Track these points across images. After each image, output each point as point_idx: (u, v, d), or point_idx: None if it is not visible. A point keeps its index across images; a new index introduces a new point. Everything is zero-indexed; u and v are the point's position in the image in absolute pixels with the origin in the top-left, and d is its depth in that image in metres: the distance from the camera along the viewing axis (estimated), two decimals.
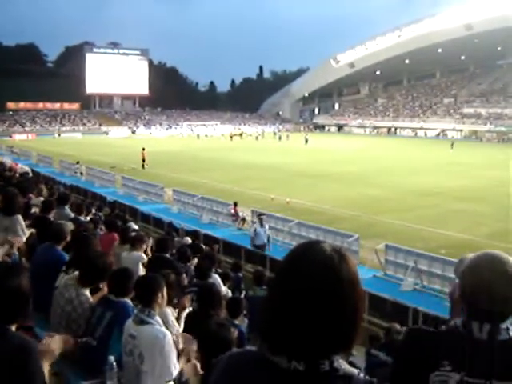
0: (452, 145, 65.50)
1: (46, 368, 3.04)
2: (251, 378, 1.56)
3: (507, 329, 1.98)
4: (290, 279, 1.51)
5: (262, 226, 17.33)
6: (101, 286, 5.32)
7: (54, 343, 3.25)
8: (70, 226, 7.02)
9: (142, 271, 7.44)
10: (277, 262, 14.68)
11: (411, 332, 2.25)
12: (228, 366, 1.66)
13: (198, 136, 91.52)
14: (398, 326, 7.16)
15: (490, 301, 1.96)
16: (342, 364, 1.52)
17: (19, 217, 7.50)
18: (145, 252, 8.81)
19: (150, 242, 9.57)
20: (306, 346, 1.47)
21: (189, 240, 13.39)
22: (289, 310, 1.48)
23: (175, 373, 4.07)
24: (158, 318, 4.28)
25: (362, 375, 1.55)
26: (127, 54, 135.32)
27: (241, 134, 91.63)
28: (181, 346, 4.70)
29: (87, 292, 5.12)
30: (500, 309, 1.98)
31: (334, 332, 1.48)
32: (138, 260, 7.96)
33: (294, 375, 1.48)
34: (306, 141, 72.30)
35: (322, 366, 1.49)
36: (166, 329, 4.41)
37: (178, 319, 5.79)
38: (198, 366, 3.98)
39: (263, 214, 18.17)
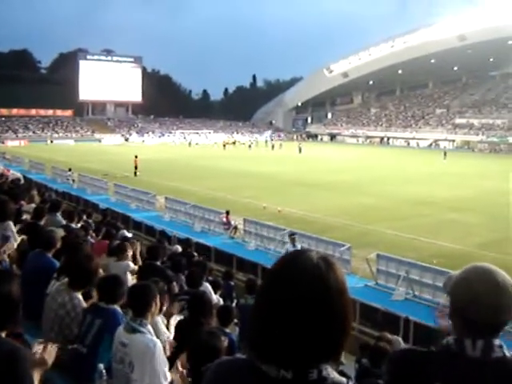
0: (445, 154, 65.61)
1: (37, 378, 3.03)
2: None
3: (501, 346, 1.95)
4: (277, 288, 1.51)
5: (294, 246, 15.55)
6: (93, 294, 5.32)
7: (49, 353, 3.24)
8: (61, 232, 7.00)
9: (130, 280, 7.41)
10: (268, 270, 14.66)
11: (403, 354, 2.22)
12: (217, 374, 1.66)
13: (189, 144, 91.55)
14: (388, 335, 7.16)
15: (482, 312, 1.94)
16: (331, 373, 1.52)
17: (10, 223, 7.48)
18: (134, 257, 8.81)
19: (138, 246, 9.56)
20: (294, 355, 1.47)
21: (179, 248, 13.36)
22: (276, 318, 1.48)
23: (165, 383, 4.05)
24: (149, 327, 4.28)
25: (350, 383, 1.55)
26: (120, 62, 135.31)
27: (234, 143, 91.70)
28: (168, 353, 4.70)
29: (80, 296, 5.12)
30: (495, 320, 1.96)
31: (322, 340, 1.48)
32: (126, 269, 7.93)
33: None
34: (300, 150, 72.14)
35: (310, 375, 1.49)
36: (157, 337, 4.40)
37: (167, 326, 5.78)
38: (185, 373, 3.98)
39: (295, 234, 16.52)
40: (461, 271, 2.09)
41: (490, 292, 1.95)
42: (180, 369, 4.10)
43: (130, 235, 13.02)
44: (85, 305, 5.07)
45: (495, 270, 2.03)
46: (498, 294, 1.95)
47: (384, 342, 6.55)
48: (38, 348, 3.22)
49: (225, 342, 4.07)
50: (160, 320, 5.52)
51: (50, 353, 3.24)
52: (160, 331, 5.28)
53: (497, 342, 1.96)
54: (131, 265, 8.26)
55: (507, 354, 1.95)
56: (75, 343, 4.63)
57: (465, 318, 2.00)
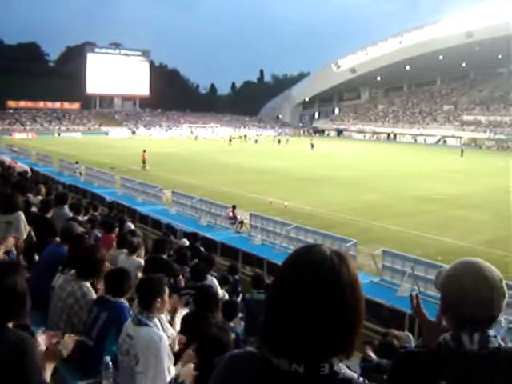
0: (462, 152, 65.38)
1: (50, 369, 3.05)
2: (251, 379, 1.57)
3: (495, 336, 2.00)
4: (290, 281, 1.52)
5: None
6: (98, 286, 5.35)
7: (65, 344, 3.25)
8: (81, 228, 7.07)
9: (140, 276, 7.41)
10: (274, 264, 14.66)
11: (403, 357, 2.23)
12: (229, 367, 1.67)
13: (195, 138, 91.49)
14: (395, 332, 7.15)
15: (474, 306, 1.99)
16: (342, 368, 1.54)
17: (21, 213, 7.53)
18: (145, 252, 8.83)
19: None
20: (306, 348, 1.48)
21: (186, 242, 13.36)
22: (288, 311, 1.50)
23: (169, 378, 4.06)
24: (156, 321, 4.29)
25: (361, 379, 1.56)
26: (128, 55, 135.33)
27: (240, 137, 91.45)
28: (176, 348, 4.70)
29: (89, 285, 5.15)
30: (486, 314, 2.01)
31: (334, 334, 1.49)
32: (138, 266, 7.92)
33: (294, 378, 1.49)
34: (312, 146, 70.57)
35: (322, 369, 1.50)
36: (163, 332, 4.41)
37: (171, 322, 5.78)
38: (192, 367, 3.98)
39: None
40: (450, 267, 2.14)
41: (480, 287, 2.00)
42: (189, 364, 4.09)
43: (133, 228, 13.04)
44: (94, 295, 5.10)
45: (483, 264, 2.07)
46: (488, 289, 2.00)
47: (391, 337, 6.54)
48: (40, 338, 3.23)
49: (233, 336, 4.07)
50: (163, 316, 5.53)
51: (67, 344, 3.25)
52: (164, 327, 5.29)
53: (491, 332, 2.01)
54: (143, 262, 8.26)
55: (501, 343, 2.00)
56: (83, 335, 4.66)
57: (458, 313, 2.04)
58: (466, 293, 2.00)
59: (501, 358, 1.95)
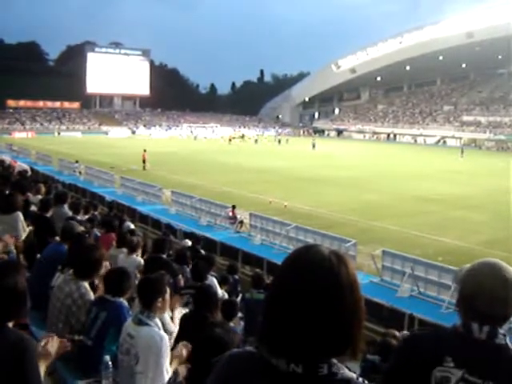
0: (462, 152, 65.32)
1: (42, 369, 3.04)
2: (250, 379, 1.57)
3: (504, 334, 2.05)
4: (289, 282, 1.52)
5: None
6: (96, 282, 5.35)
7: (52, 346, 3.24)
8: (80, 228, 7.08)
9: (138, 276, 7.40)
10: (274, 264, 14.66)
11: (413, 335, 2.37)
12: (228, 366, 1.67)
13: (195, 137, 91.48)
14: (395, 332, 7.15)
15: (490, 305, 2.04)
16: (341, 368, 1.53)
17: (19, 214, 7.53)
18: (143, 251, 8.81)
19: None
20: (304, 349, 1.48)
21: (188, 242, 13.36)
22: (287, 312, 1.49)
23: (167, 377, 4.06)
24: (157, 321, 4.28)
25: (360, 379, 1.56)
26: (128, 55, 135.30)
27: (241, 137, 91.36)
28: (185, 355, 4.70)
29: (87, 285, 5.14)
30: (500, 312, 2.06)
31: (332, 334, 1.49)
32: (138, 266, 7.90)
33: (292, 378, 1.49)
34: (314, 146, 71.05)
35: (320, 370, 1.49)
36: (164, 330, 4.41)
37: (171, 318, 5.78)
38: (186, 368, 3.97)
39: None
40: (469, 267, 2.19)
41: (496, 286, 2.05)
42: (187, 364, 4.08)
43: (133, 227, 13.02)
44: (92, 295, 5.09)
45: (503, 265, 2.13)
46: (503, 289, 2.05)
47: (390, 338, 6.54)
48: (45, 341, 3.23)
49: (235, 337, 4.03)
50: (166, 314, 5.52)
51: (53, 345, 3.25)
52: (165, 323, 5.28)
53: (501, 330, 2.07)
54: (142, 261, 8.25)
55: (509, 343, 2.05)
56: (82, 334, 4.66)
57: (471, 308, 2.10)
58: (483, 290, 2.06)
59: (504, 354, 2.01)
